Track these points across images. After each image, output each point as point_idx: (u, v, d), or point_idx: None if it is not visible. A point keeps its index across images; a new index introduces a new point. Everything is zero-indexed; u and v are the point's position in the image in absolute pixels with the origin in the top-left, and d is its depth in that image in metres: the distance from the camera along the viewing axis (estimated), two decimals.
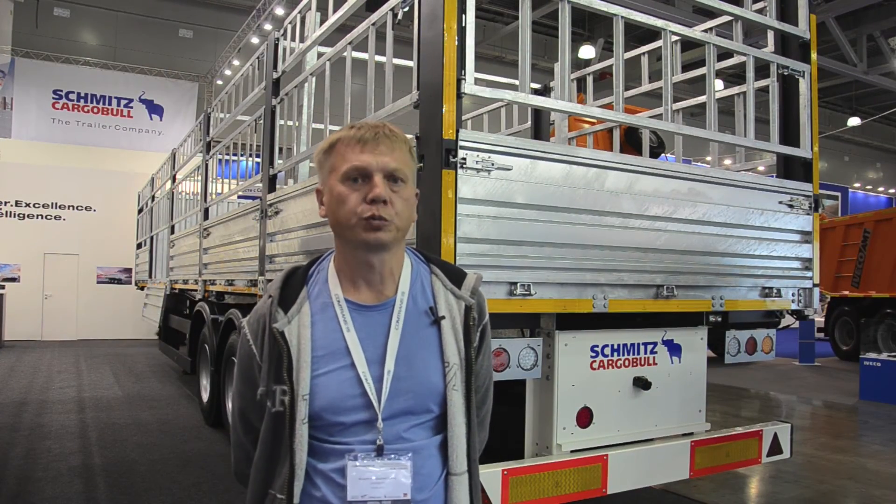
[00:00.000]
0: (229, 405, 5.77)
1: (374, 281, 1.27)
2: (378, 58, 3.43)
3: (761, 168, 5.34)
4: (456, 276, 1.36)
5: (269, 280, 4.59)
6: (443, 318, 1.29)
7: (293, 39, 4.62)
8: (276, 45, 4.84)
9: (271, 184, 4.83)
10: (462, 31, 2.70)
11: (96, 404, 7.68)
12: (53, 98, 17.95)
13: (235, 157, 6.24)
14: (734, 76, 9.62)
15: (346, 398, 1.21)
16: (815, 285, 3.88)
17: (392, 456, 1.21)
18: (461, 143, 2.65)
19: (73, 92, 18.13)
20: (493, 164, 2.73)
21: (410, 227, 1.31)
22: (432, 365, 1.27)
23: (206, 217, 7.09)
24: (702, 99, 3.81)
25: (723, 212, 3.49)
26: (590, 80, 5.60)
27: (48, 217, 15.34)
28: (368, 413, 1.21)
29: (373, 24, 3.33)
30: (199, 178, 7.54)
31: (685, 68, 4.75)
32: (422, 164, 2.71)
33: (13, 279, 14.70)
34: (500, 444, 3.29)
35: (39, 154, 16.28)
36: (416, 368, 1.25)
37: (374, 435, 1.21)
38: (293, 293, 1.28)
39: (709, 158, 5.21)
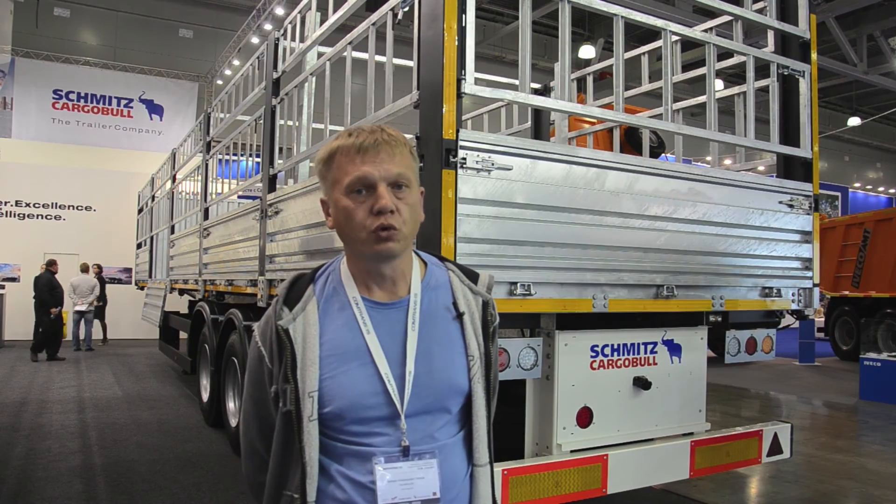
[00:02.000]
0: (230, 405, 5.77)
1: (387, 285, 1.28)
2: (378, 58, 3.43)
3: (761, 168, 5.34)
4: (471, 275, 1.39)
5: (269, 280, 4.60)
6: (463, 313, 1.31)
7: (293, 39, 4.62)
8: (276, 45, 4.84)
9: (271, 184, 4.83)
10: (462, 31, 2.70)
11: (96, 404, 7.68)
12: (53, 98, 17.96)
13: (235, 157, 6.24)
14: (734, 76, 9.63)
15: (369, 397, 1.20)
16: (815, 285, 3.89)
17: (419, 456, 1.21)
18: (461, 143, 2.65)
19: (73, 92, 18.14)
20: (493, 164, 2.74)
21: (418, 229, 1.32)
22: (452, 362, 1.28)
23: (206, 217, 7.09)
24: (702, 99, 3.81)
25: (723, 212, 3.49)
26: (590, 80, 5.61)
27: (48, 217, 15.33)
28: (391, 413, 1.21)
29: (373, 24, 3.33)
30: (199, 178, 7.54)
31: (685, 68, 4.76)
32: (422, 165, 2.71)
33: (13, 279, 14.70)
34: (509, 444, 3.29)
35: (39, 154, 16.27)
36: (435, 367, 1.25)
37: (399, 435, 1.21)
38: (299, 293, 1.28)
39: (709, 158, 5.21)
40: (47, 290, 11.82)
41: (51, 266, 12.14)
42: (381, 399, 1.20)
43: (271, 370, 1.26)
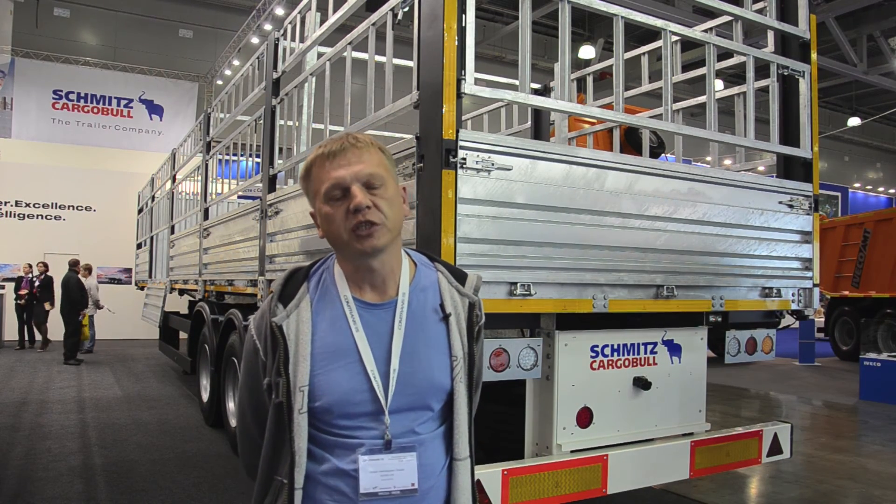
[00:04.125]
0: (229, 405, 5.77)
1: (377, 283, 1.33)
2: (378, 58, 3.43)
3: (761, 168, 5.34)
4: (459, 276, 1.43)
5: (270, 280, 4.59)
6: (449, 315, 1.36)
7: (293, 39, 4.62)
8: (276, 45, 4.85)
9: (271, 184, 4.83)
10: (462, 31, 2.70)
11: (96, 404, 7.68)
12: (53, 98, 17.95)
13: (235, 157, 6.25)
14: (734, 76, 9.63)
15: (356, 394, 1.26)
16: (815, 285, 3.89)
17: (399, 449, 1.27)
18: (461, 143, 2.65)
19: (73, 92, 18.13)
20: (493, 164, 2.74)
21: (402, 224, 1.35)
22: (436, 362, 1.33)
23: (206, 217, 7.09)
24: (702, 99, 3.81)
25: (723, 212, 3.49)
26: (590, 80, 5.61)
27: (48, 217, 15.33)
28: (376, 409, 1.27)
29: (373, 24, 3.33)
30: (199, 178, 7.55)
31: (685, 68, 4.76)
32: (422, 164, 2.71)
33: (13, 279, 14.69)
34: (509, 444, 3.29)
35: (39, 154, 16.27)
36: (419, 366, 1.31)
37: (382, 429, 1.27)
38: (293, 290, 1.34)
39: (709, 158, 5.21)
40: (78, 292, 11.58)
41: (74, 266, 11.89)
42: (366, 396, 1.27)
43: (265, 363, 1.32)
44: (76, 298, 11.51)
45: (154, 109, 19.01)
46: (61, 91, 18.02)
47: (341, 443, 1.27)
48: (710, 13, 3.95)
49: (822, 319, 14.45)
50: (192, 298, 9.09)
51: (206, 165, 7.22)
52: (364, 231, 1.25)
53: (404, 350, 1.30)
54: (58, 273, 12.55)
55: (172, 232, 9.22)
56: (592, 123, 5.32)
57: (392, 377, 1.28)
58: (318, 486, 1.27)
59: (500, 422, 3.56)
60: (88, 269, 13.33)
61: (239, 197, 8.03)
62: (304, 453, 1.26)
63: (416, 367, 1.30)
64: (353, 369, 1.27)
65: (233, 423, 5.68)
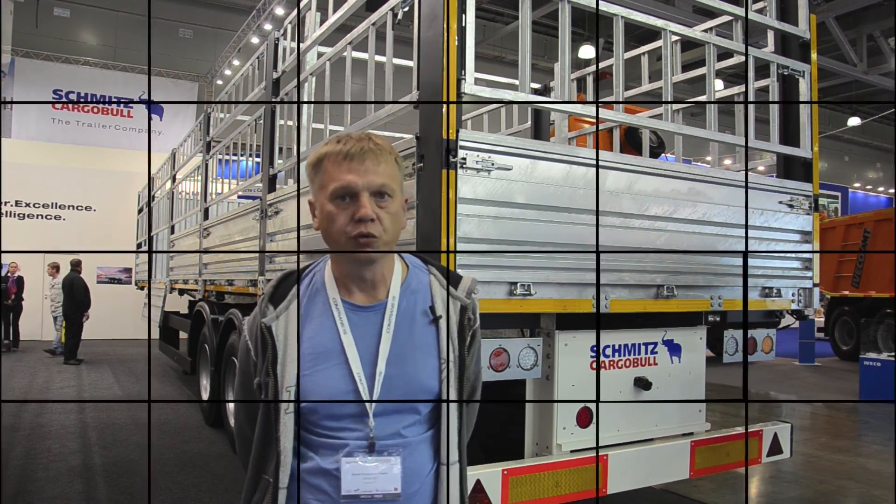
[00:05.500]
0: (229, 405, 5.77)
1: (367, 287, 1.34)
2: (378, 58, 3.43)
3: (761, 168, 5.34)
4: (453, 278, 1.42)
5: (270, 280, 4.59)
6: (440, 317, 1.35)
7: (293, 39, 4.62)
8: (276, 45, 4.85)
9: (271, 184, 4.83)
10: (462, 31, 2.70)
11: (96, 404, 7.67)
12: (53, 98, 17.95)
13: (235, 157, 6.24)
14: (734, 76, 9.63)
15: (341, 395, 1.27)
16: (815, 285, 3.89)
17: (384, 452, 1.27)
18: (461, 143, 2.65)
19: (73, 92, 18.12)
20: (493, 164, 2.73)
21: (399, 236, 1.36)
22: (424, 365, 1.32)
23: (206, 217, 7.09)
24: (702, 99, 3.81)
25: (723, 212, 3.49)
26: (590, 80, 5.60)
27: (48, 217, 15.33)
28: (361, 410, 1.28)
29: (373, 24, 3.33)
30: (199, 178, 7.54)
31: (685, 68, 4.76)
32: (422, 164, 2.71)
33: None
34: (509, 444, 3.29)
35: (39, 154, 16.26)
36: (407, 369, 1.31)
37: (367, 431, 1.27)
38: (285, 292, 1.35)
39: (709, 158, 5.21)
40: (82, 293, 11.50)
41: (77, 267, 11.75)
42: (352, 396, 1.28)
43: (256, 363, 1.34)
44: (80, 299, 11.46)
45: (154, 109, 19.00)
46: (61, 91, 18.01)
47: (327, 443, 1.28)
48: (710, 13, 3.95)
49: (822, 319, 14.45)
50: (192, 298, 9.08)
51: (206, 165, 7.22)
52: (363, 241, 1.26)
53: (392, 352, 1.30)
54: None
55: (172, 232, 9.22)
56: (592, 123, 5.31)
57: (378, 379, 1.28)
58: (302, 485, 1.28)
59: (500, 422, 3.56)
60: (56, 268, 12.91)
61: (239, 197, 8.02)
62: (289, 453, 1.27)
63: (402, 370, 1.30)
64: (340, 371, 1.28)
65: (233, 422, 5.69)
